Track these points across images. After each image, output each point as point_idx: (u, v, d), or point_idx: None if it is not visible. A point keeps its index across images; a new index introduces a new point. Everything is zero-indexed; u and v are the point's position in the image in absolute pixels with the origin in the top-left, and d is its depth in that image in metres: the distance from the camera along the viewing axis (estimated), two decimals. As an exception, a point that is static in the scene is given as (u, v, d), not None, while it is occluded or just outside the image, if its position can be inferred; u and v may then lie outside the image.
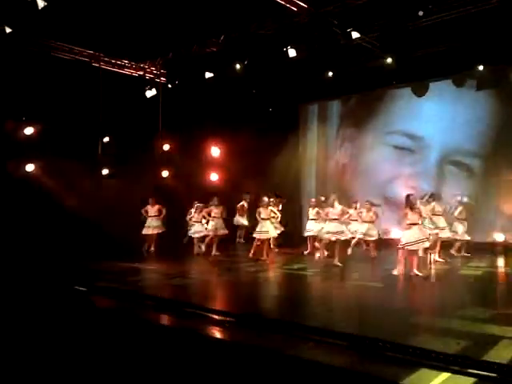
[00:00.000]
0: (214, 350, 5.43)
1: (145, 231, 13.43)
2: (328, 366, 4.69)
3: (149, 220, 13.38)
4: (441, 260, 11.14)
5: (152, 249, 13.56)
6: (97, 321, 6.48)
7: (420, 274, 9.15)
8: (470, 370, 4.36)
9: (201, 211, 12.96)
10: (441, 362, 4.54)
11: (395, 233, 12.85)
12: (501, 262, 11.40)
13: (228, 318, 6.43)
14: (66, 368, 4.54)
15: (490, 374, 4.30)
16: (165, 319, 6.91)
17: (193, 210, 13.14)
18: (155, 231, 13.42)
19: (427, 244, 9.68)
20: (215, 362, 4.98)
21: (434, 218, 11.15)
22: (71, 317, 6.33)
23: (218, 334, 6.05)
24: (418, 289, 8.70)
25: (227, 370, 4.73)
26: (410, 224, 9.30)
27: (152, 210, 13.40)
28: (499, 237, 12.92)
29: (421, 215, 9.79)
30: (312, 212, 12.53)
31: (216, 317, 6.59)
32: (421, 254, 10.06)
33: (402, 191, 14.11)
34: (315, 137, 17.02)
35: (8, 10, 9.89)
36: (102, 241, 12.25)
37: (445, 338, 5.24)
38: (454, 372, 4.38)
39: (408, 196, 9.63)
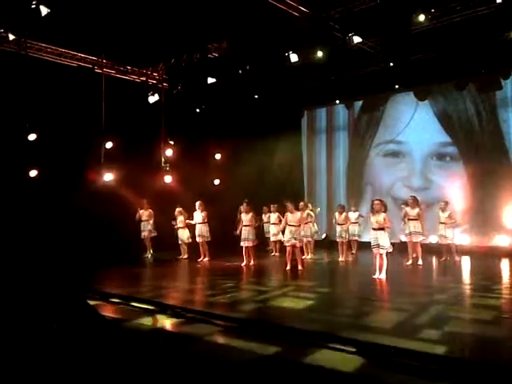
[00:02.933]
0: (217, 356, 5.43)
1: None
2: (332, 371, 4.69)
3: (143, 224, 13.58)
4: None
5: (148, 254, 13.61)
6: (101, 325, 6.48)
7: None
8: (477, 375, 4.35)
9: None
10: (444, 367, 4.52)
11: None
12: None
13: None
14: (68, 375, 4.54)
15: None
16: (168, 324, 6.92)
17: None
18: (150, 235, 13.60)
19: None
20: (219, 367, 4.98)
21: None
22: (76, 324, 6.33)
23: (222, 340, 6.06)
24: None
25: (231, 375, 4.73)
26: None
27: (145, 213, 13.54)
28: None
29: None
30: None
31: (219, 322, 6.60)
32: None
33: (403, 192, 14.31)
34: (318, 141, 17.04)
35: (11, 17, 9.96)
36: (105, 246, 12.30)
37: (449, 341, 5.22)
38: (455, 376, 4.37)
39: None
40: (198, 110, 15.13)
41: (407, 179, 14.76)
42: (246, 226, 11.67)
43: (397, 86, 14.10)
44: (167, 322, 6.94)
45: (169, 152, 14.72)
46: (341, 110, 16.49)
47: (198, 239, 12.87)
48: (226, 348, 5.75)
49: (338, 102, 15.96)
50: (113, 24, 10.22)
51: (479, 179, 13.33)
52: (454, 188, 13.68)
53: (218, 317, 6.77)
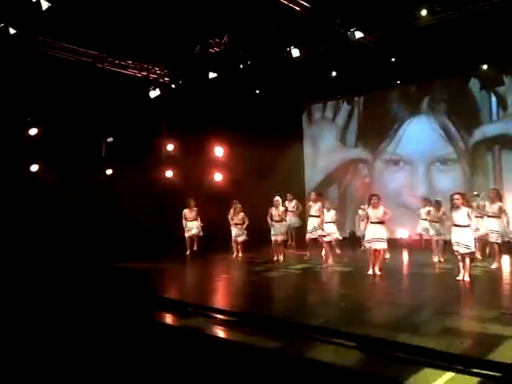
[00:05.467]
0: (218, 350, 5.44)
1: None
2: (332, 365, 4.69)
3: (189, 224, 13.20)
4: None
5: (187, 252, 13.25)
6: (106, 321, 6.51)
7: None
8: (475, 370, 4.36)
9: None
10: (445, 362, 4.54)
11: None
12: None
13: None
14: (71, 367, 4.56)
15: (495, 374, 4.29)
16: (168, 318, 6.93)
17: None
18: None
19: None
20: (220, 361, 4.99)
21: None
22: (82, 317, 6.36)
23: (222, 334, 6.07)
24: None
25: (231, 369, 4.73)
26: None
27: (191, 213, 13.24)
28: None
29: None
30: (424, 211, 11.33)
31: (220, 316, 6.61)
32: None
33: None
34: (319, 137, 17.01)
35: (12, 11, 9.93)
36: (105, 241, 12.31)
37: (449, 338, 5.24)
38: (458, 371, 4.37)
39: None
40: (199, 105, 15.13)
41: (409, 183, 14.71)
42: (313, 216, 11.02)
43: (398, 82, 14.05)
44: (168, 317, 6.95)
45: (169, 147, 14.71)
46: (342, 106, 16.44)
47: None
48: (226, 342, 5.76)
49: (339, 97, 15.92)
50: (114, 18, 10.19)
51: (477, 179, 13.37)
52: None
53: (218, 311, 6.78)
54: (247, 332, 5.89)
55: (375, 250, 9.26)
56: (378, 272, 9.23)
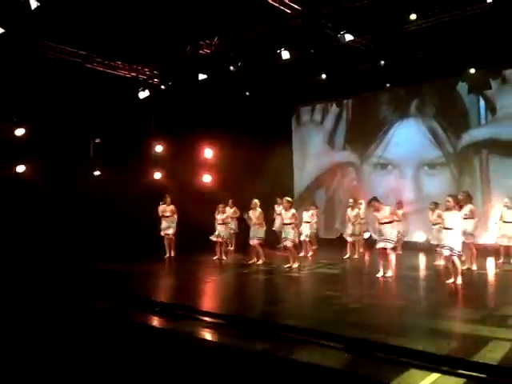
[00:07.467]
0: (206, 353, 5.42)
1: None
2: (320, 367, 4.69)
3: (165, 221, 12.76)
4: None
5: (172, 254, 12.82)
6: (95, 323, 6.46)
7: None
8: (460, 371, 4.38)
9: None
10: (430, 363, 4.55)
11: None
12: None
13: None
14: (63, 369, 4.52)
15: (480, 375, 4.31)
16: (158, 322, 6.89)
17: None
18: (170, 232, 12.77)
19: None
20: (208, 364, 4.97)
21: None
22: (70, 319, 6.30)
23: (209, 336, 6.04)
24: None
25: (219, 372, 4.72)
26: None
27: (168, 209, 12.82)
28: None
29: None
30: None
31: (208, 319, 6.58)
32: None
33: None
34: (307, 139, 17.02)
35: (0, 10, 9.85)
36: (93, 242, 12.22)
37: (435, 339, 5.25)
38: (443, 373, 4.39)
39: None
40: (188, 107, 15.11)
41: (397, 187, 14.74)
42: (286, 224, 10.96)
43: (388, 85, 14.10)
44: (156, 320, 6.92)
45: (158, 148, 14.67)
46: (331, 109, 16.46)
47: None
48: (213, 345, 5.74)
49: (328, 99, 15.96)
50: (104, 18, 10.14)
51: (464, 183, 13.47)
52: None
53: (205, 313, 6.76)
54: (234, 334, 5.87)
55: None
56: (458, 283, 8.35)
